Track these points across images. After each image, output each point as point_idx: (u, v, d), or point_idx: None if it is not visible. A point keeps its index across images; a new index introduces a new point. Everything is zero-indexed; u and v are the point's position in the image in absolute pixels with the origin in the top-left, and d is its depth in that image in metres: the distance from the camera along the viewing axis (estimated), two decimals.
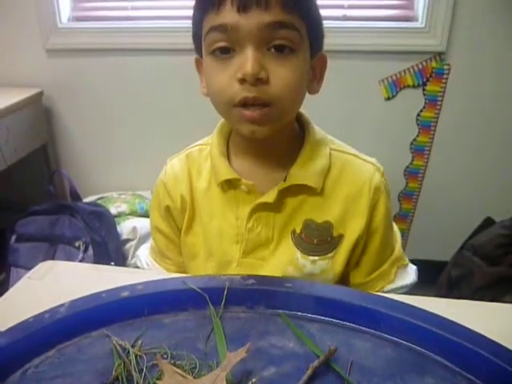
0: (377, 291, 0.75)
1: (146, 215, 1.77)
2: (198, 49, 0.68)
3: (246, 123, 0.63)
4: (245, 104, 0.61)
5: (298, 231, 0.72)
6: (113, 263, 1.55)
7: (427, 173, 1.80)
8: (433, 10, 1.55)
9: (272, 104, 0.61)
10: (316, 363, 0.48)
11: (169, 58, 1.76)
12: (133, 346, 0.52)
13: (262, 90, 0.60)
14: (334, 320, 0.55)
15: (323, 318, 0.56)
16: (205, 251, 0.77)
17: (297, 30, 0.61)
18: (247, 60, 0.59)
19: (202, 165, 0.77)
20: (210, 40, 0.62)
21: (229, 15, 0.59)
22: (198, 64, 0.71)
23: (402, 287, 0.77)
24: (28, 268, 1.50)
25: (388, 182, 0.75)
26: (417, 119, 1.72)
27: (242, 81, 0.59)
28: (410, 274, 0.79)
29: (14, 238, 1.60)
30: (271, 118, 0.62)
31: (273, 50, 0.60)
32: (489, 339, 0.50)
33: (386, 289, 0.76)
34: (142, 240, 1.66)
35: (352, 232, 0.72)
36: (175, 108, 1.84)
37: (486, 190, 1.78)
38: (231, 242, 0.74)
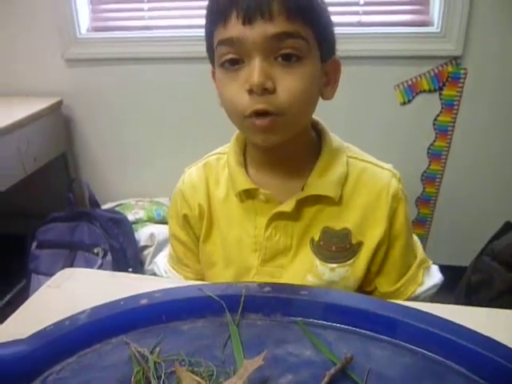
0: (409, 296, 0.75)
1: (163, 222, 1.78)
2: (212, 61, 0.69)
3: (257, 132, 0.63)
4: (255, 115, 0.61)
5: (316, 239, 0.72)
6: (131, 269, 1.57)
7: (444, 177, 1.79)
8: (448, 15, 1.55)
9: (281, 114, 0.61)
10: (333, 371, 0.48)
11: (186, 67, 1.78)
12: (151, 353, 0.52)
13: (270, 101, 0.60)
14: (350, 328, 0.55)
15: (340, 325, 0.56)
16: (223, 259, 0.77)
17: (303, 39, 0.61)
18: (253, 71, 0.59)
19: (220, 173, 0.78)
20: (219, 53, 0.63)
21: (235, 28, 0.60)
22: (214, 76, 0.72)
23: (432, 287, 0.77)
24: (48, 274, 1.54)
25: (405, 187, 0.75)
26: (434, 124, 1.71)
27: (250, 91, 0.60)
28: (436, 273, 0.79)
29: (34, 244, 1.63)
30: (282, 126, 0.63)
31: (280, 59, 0.61)
32: (508, 348, 0.49)
33: (416, 293, 0.76)
34: (160, 246, 1.67)
35: (371, 239, 0.72)
36: (193, 116, 1.86)
37: (505, 195, 1.76)
38: (250, 250, 0.74)
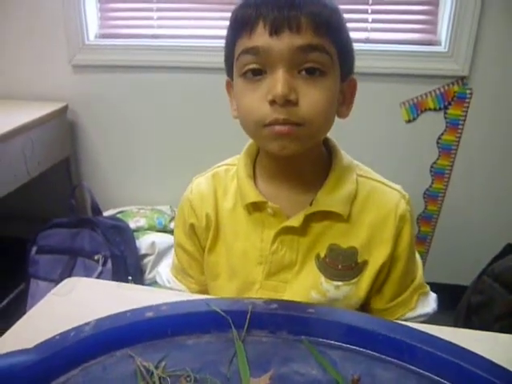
0: (397, 318, 0.75)
1: (164, 230, 1.78)
2: (230, 71, 0.69)
3: (275, 139, 0.63)
4: (275, 124, 0.62)
5: (322, 255, 0.72)
6: (130, 278, 1.56)
7: (447, 196, 1.79)
8: (456, 35, 1.56)
9: (302, 125, 0.62)
10: None
11: (193, 76, 1.79)
12: (156, 368, 0.52)
13: (292, 112, 0.61)
14: (357, 348, 0.55)
15: (347, 345, 0.55)
16: (227, 271, 0.77)
17: (327, 54, 0.62)
18: (277, 82, 0.60)
19: (228, 185, 0.78)
20: (241, 62, 0.63)
21: (261, 38, 0.60)
22: (229, 86, 0.72)
23: (422, 315, 0.77)
24: (47, 280, 1.54)
25: (413, 209, 0.75)
26: (437, 142, 1.72)
27: (272, 102, 0.60)
28: (431, 303, 0.79)
29: (34, 249, 1.62)
30: (301, 135, 0.63)
31: (303, 72, 0.61)
32: None
33: (406, 316, 0.76)
34: (161, 255, 1.67)
35: (376, 259, 0.72)
36: (197, 125, 1.86)
37: (507, 216, 1.76)
38: (255, 263, 0.74)
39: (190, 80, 1.80)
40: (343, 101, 0.70)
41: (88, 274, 1.52)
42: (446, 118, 1.68)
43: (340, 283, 0.72)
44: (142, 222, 1.77)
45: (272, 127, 0.62)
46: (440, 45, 1.63)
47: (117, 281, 1.48)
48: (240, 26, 0.63)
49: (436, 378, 0.51)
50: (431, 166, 1.76)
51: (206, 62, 1.66)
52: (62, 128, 1.90)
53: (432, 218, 1.84)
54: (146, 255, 1.68)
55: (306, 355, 0.54)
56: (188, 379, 0.51)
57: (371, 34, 1.68)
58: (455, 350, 0.52)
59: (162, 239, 1.69)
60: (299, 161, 0.68)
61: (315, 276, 0.73)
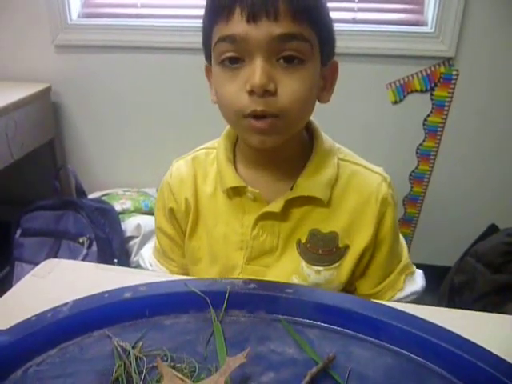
0: (387, 301, 0.75)
1: (150, 213, 1.77)
2: (208, 57, 0.68)
3: (255, 134, 0.62)
4: (254, 116, 0.61)
5: (303, 241, 0.72)
6: (116, 260, 1.56)
7: (432, 178, 1.80)
8: (442, 16, 1.55)
9: (280, 116, 0.61)
10: (314, 370, 0.48)
11: (178, 57, 1.77)
12: (133, 348, 0.52)
13: (271, 102, 0.59)
14: (334, 327, 0.55)
15: (323, 324, 0.56)
16: (208, 256, 0.77)
17: (307, 41, 0.60)
18: (255, 71, 0.58)
19: (208, 169, 0.77)
20: (219, 50, 0.62)
21: (238, 26, 0.58)
22: (208, 71, 0.71)
23: (411, 294, 0.77)
24: (32, 263, 1.53)
25: (395, 191, 0.74)
26: (424, 124, 1.72)
27: (251, 92, 0.59)
28: (418, 280, 0.79)
29: (19, 232, 1.61)
30: (280, 128, 0.62)
31: (282, 60, 0.60)
32: (489, 352, 0.50)
33: (396, 297, 0.76)
34: (146, 237, 1.66)
35: (358, 243, 0.72)
36: (183, 107, 1.85)
37: (491, 197, 1.77)
38: (235, 248, 0.74)
39: (176, 60, 1.78)
40: (324, 85, 0.69)
41: (73, 256, 1.52)
42: (432, 99, 1.68)
43: (321, 268, 0.72)
44: (128, 205, 1.76)
45: (251, 121, 0.61)
46: (426, 25, 1.62)
47: (102, 263, 1.48)
48: (216, 11, 0.61)
49: (412, 355, 0.52)
50: (417, 148, 1.76)
51: (191, 42, 1.62)
52: (46, 109, 1.88)
53: (418, 200, 1.85)
54: (131, 237, 1.67)
55: (284, 334, 0.55)
56: (165, 358, 0.51)
57: (358, 14, 1.66)
58: (431, 329, 0.53)
59: (148, 221, 1.68)
60: (280, 148, 0.67)
61: (296, 261, 0.73)
